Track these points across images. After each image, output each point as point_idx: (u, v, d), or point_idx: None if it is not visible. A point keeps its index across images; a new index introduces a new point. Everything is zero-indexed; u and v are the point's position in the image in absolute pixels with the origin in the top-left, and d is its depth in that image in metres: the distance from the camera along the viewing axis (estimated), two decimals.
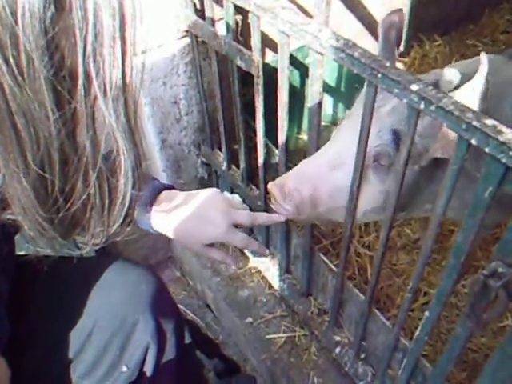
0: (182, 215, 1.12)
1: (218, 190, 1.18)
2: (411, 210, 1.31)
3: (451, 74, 1.26)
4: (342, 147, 1.22)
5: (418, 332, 1.12)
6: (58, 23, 0.56)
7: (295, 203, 1.19)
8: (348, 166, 1.16)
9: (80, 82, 0.60)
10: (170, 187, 1.18)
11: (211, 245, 1.17)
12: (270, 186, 1.21)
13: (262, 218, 1.23)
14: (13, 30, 0.54)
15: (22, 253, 1.06)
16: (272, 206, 1.24)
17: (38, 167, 0.64)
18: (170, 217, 1.13)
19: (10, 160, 0.63)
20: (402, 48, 1.34)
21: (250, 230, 1.87)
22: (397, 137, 1.17)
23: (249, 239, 1.19)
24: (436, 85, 1.23)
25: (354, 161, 1.08)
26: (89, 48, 0.58)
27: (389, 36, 1.31)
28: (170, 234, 1.14)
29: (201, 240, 1.14)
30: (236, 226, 1.16)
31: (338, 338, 1.59)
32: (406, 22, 1.30)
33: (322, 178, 1.21)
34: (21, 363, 1.05)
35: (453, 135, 0.83)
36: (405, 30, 1.32)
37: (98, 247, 0.81)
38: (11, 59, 0.55)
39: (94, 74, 0.60)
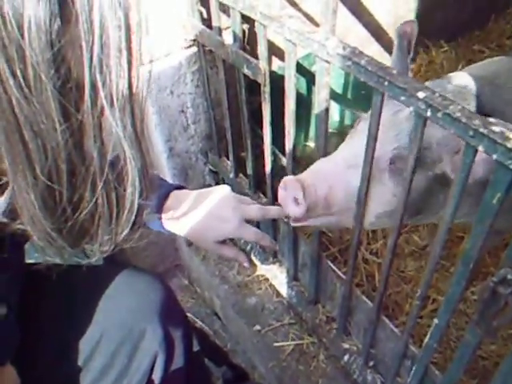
0: (194, 215, 1.13)
1: (228, 187, 1.18)
2: (426, 214, 1.30)
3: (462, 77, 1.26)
4: (357, 149, 1.20)
5: (427, 339, 1.11)
6: (64, 36, 0.57)
7: (310, 200, 1.15)
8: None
9: (87, 93, 0.60)
10: (179, 187, 1.19)
11: (223, 242, 1.17)
12: (288, 179, 1.16)
13: (274, 211, 1.21)
14: (19, 43, 0.54)
15: (31, 261, 1.07)
16: (281, 206, 1.20)
17: (46, 178, 0.64)
18: (181, 218, 1.14)
19: (19, 171, 0.64)
20: (411, 56, 1.36)
21: None
22: None
23: (261, 233, 1.19)
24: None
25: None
26: (95, 59, 0.59)
27: (402, 45, 1.33)
28: (183, 234, 1.15)
29: (213, 237, 1.14)
30: (248, 221, 1.16)
31: (346, 346, 1.59)
32: (416, 32, 1.33)
33: (338, 176, 1.19)
34: (30, 371, 1.06)
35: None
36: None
37: (106, 254, 0.81)
38: (18, 72, 0.56)
39: (100, 85, 0.60)
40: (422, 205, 1.24)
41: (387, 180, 1.20)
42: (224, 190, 1.17)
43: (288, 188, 1.16)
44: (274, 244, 1.25)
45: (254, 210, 1.16)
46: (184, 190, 1.19)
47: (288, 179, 1.17)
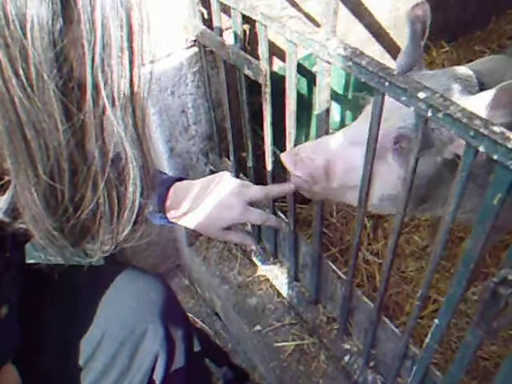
0: (199, 207, 1.15)
1: (228, 173, 1.20)
2: (432, 203, 1.28)
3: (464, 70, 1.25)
4: (361, 129, 1.19)
5: (427, 340, 1.11)
6: (67, 35, 0.57)
7: (308, 171, 1.16)
8: (366, 145, 1.15)
9: (88, 92, 0.60)
10: (179, 179, 1.20)
11: (229, 228, 1.19)
12: (282, 154, 1.19)
13: (275, 189, 1.23)
14: (22, 42, 0.55)
15: (32, 261, 1.07)
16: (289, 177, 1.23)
17: (48, 177, 0.65)
18: (187, 211, 1.16)
19: (21, 170, 0.64)
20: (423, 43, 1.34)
21: (259, 238, 1.88)
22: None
23: (266, 215, 1.20)
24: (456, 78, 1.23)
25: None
26: (97, 59, 0.59)
27: (415, 29, 1.30)
28: (189, 226, 1.17)
29: (220, 225, 1.16)
30: (251, 205, 1.17)
31: (347, 346, 1.59)
32: (429, 14, 1.30)
33: (338, 151, 1.19)
34: (31, 371, 1.06)
35: None
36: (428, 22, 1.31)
37: (107, 254, 0.82)
38: (21, 72, 0.56)
39: (102, 85, 0.61)
40: (428, 192, 1.23)
41: (391, 160, 1.19)
42: (225, 176, 1.18)
43: (283, 162, 1.18)
44: (279, 223, 1.27)
45: (257, 190, 1.18)
46: (185, 182, 1.20)
47: (282, 154, 1.19)
